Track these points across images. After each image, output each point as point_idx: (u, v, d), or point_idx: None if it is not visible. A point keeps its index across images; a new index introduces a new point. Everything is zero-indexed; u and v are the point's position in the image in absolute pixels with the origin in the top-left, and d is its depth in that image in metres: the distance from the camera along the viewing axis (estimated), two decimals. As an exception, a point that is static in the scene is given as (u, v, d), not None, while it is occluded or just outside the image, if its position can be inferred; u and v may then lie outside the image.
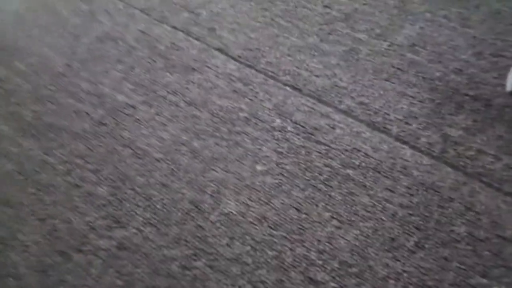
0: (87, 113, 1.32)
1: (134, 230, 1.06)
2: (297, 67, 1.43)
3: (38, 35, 1.58)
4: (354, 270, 1.01)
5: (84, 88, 1.40)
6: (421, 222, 1.07)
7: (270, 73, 1.41)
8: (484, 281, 0.97)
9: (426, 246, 1.03)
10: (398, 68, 1.41)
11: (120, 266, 1.01)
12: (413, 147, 1.22)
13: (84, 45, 1.54)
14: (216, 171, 1.17)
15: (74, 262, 1.02)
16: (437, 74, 1.40)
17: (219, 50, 1.49)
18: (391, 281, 0.98)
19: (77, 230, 1.07)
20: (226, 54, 1.47)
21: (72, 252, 1.04)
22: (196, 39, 1.52)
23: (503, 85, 1.28)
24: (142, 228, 1.07)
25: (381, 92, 1.35)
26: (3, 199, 1.13)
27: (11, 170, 1.19)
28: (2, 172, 1.18)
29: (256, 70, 1.42)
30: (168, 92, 1.39)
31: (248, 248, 1.03)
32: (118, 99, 1.37)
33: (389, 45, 1.48)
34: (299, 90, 1.36)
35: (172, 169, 1.17)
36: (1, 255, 1.04)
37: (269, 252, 1.03)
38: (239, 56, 1.46)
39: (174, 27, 1.60)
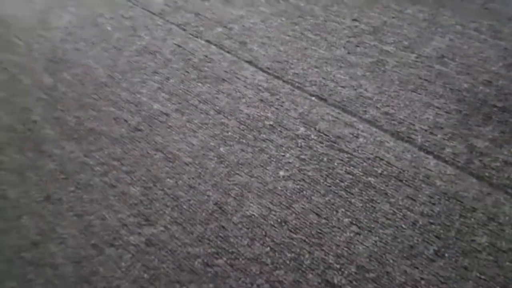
0: (125, 120, 1.43)
1: (161, 228, 1.13)
2: (323, 78, 1.47)
3: (84, 48, 1.72)
4: (371, 275, 1.03)
5: (123, 97, 1.51)
6: (441, 231, 1.07)
7: (297, 84, 1.47)
8: (506, 292, 0.96)
9: (446, 255, 1.04)
10: (425, 79, 1.42)
11: (148, 260, 1.08)
12: (437, 157, 1.23)
13: (124, 57, 1.66)
14: (241, 175, 1.22)
15: (106, 255, 1.10)
16: (465, 85, 1.40)
17: (249, 62, 1.56)
18: (408, 288, 0.99)
19: (110, 226, 1.16)
20: (256, 66, 1.54)
21: (104, 246, 1.12)
22: (228, 52, 1.60)
23: (534, 97, 1.26)
24: (169, 226, 1.14)
25: (407, 102, 1.37)
26: (45, 195, 1.25)
27: (54, 169, 1.30)
28: (45, 170, 1.30)
29: (284, 81, 1.48)
30: (199, 101, 1.47)
31: (268, 249, 1.08)
32: (154, 107, 1.47)
33: (417, 57, 1.50)
34: (325, 100, 1.41)
35: (200, 173, 1.24)
36: (40, 246, 1.14)
37: (288, 254, 1.07)
38: (268, 68, 1.53)
39: (208, 41, 1.70)
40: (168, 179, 1.24)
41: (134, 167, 1.29)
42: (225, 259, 1.07)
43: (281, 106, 1.40)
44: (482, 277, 0.99)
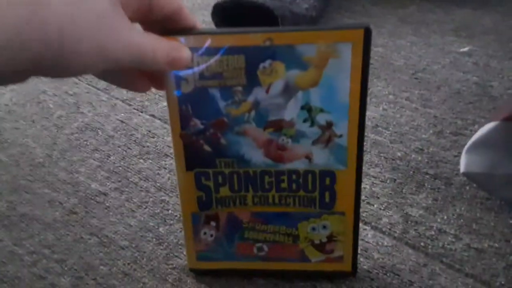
0: (60, 202, 1.39)
1: None
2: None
3: (23, 127, 1.70)
4: None
5: (60, 177, 1.49)
6: (379, 308, 1.07)
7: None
8: None
9: (385, 333, 1.03)
10: (361, 149, 1.48)
11: None
12: (374, 228, 1.26)
13: (65, 135, 1.66)
14: (180, 258, 1.20)
15: None
16: (399, 153, 1.47)
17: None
18: None
19: None
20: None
21: None
22: (171, 126, 1.63)
23: (461, 164, 1.33)
24: (99, 320, 1.08)
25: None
26: (-33, 292, 1.17)
27: (-21, 262, 1.23)
28: (-31, 265, 1.23)
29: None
30: (140, 178, 1.47)
31: None
32: (91, 187, 1.45)
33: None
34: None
35: (136, 257, 1.21)
36: None
37: None
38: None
39: (152, 115, 1.73)
40: (102, 267, 1.20)
41: (66, 254, 1.24)
42: None
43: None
44: None
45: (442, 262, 1.16)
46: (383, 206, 1.31)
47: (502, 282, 1.10)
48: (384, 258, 1.17)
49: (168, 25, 0.78)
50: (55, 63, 0.55)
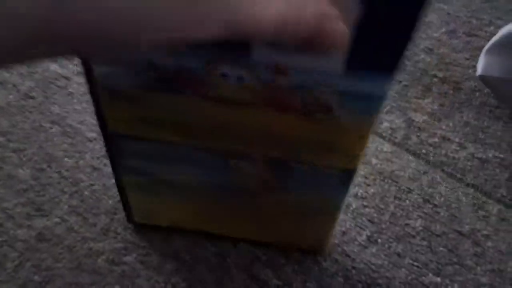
0: (13, 85, 1.21)
1: (57, 219, 0.98)
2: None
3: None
4: (300, 266, 0.96)
5: (12, 55, 1.27)
6: (375, 215, 1.03)
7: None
8: (437, 279, 0.94)
9: (379, 240, 0.99)
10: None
11: (39, 259, 0.93)
12: (374, 133, 1.17)
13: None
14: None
15: (-15, 254, 0.94)
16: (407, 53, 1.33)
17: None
18: (339, 279, 0.93)
19: (-9, 218, 0.98)
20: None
21: (-16, 243, 0.95)
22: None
23: (475, 67, 1.23)
24: (66, 217, 0.98)
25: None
26: None
27: None
28: None
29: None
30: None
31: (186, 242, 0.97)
32: (50, 69, 1.26)
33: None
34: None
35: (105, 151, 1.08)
36: None
37: (212, 248, 0.97)
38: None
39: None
40: (66, 159, 1.07)
41: (24, 143, 1.09)
42: (134, 255, 0.94)
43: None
44: (415, 263, 0.96)
45: (443, 170, 1.10)
46: (385, 109, 1.21)
47: (504, 194, 1.06)
48: (383, 164, 1.10)
49: None
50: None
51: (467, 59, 1.32)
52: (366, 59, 0.52)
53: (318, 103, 0.57)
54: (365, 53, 0.51)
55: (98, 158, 1.08)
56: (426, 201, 1.05)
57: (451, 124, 1.18)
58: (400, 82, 1.26)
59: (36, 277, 0.91)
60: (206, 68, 0.55)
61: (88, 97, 1.07)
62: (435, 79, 1.27)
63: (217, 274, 0.92)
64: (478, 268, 0.95)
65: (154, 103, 0.64)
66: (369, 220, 1.01)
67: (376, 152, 1.12)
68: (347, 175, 0.73)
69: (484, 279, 0.94)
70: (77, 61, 1.27)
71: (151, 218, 0.94)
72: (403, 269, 0.95)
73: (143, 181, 0.83)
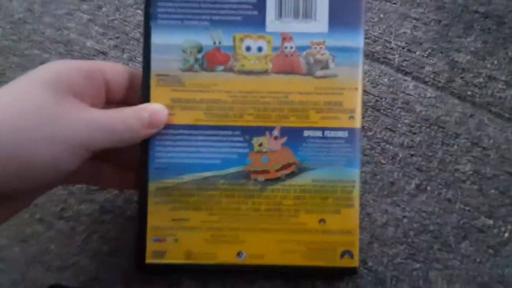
0: (53, 65, 1.24)
1: (116, 191, 1.03)
2: None
3: (-11, -24, 1.43)
4: (351, 218, 0.98)
5: (48, 35, 1.30)
6: (423, 163, 1.02)
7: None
8: (490, 221, 0.95)
9: (428, 188, 1.00)
10: (400, -14, 1.27)
11: (105, 230, 0.99)
12: (416, 78, 1.14)
13: (42, -16, 1.40)
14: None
15: (55, 230, 1.01)
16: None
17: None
18: (391, 228, 0.96)
19: (55, 196, 1.04)
20: None
21: (53, 220, 1.02)
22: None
23: (520, -2, 1.15)
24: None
25: (381, 15, 1.23)
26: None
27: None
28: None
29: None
30: (141, 33, 1.28)
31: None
32: (87, 45, 1.28)
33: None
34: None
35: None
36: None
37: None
38: None
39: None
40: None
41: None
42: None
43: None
44: (467, 208, 0.97)
45: (490, 111, 1.07)
46: (426, 53, 1.17)
47: (556, 130, 1.03)
48: (428, 110, 1.08)
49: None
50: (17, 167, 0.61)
51: (511, -11, 1.24)
52: (341, 20, 0.80)
53: (316, 61, 0.79)
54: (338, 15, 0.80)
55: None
56: (474, 144, 1.03)
57: (496, 62, 1.14)
58: (440, 21, 1.20)
59: (104, 247, 0.98)
60: (233, 43, 0.77)
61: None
62: (476, 15, 1.21)
63: None
64: (532, 207, 0.95)
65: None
66: (417, 169, 1.02)
67: (420, 99, 1.10)
68: (352, 136, 0.82)
69: (538, 218, 0.93)
70: (111, 34, 1.28)
71: None
72: (454, 214, 0.96)
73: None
